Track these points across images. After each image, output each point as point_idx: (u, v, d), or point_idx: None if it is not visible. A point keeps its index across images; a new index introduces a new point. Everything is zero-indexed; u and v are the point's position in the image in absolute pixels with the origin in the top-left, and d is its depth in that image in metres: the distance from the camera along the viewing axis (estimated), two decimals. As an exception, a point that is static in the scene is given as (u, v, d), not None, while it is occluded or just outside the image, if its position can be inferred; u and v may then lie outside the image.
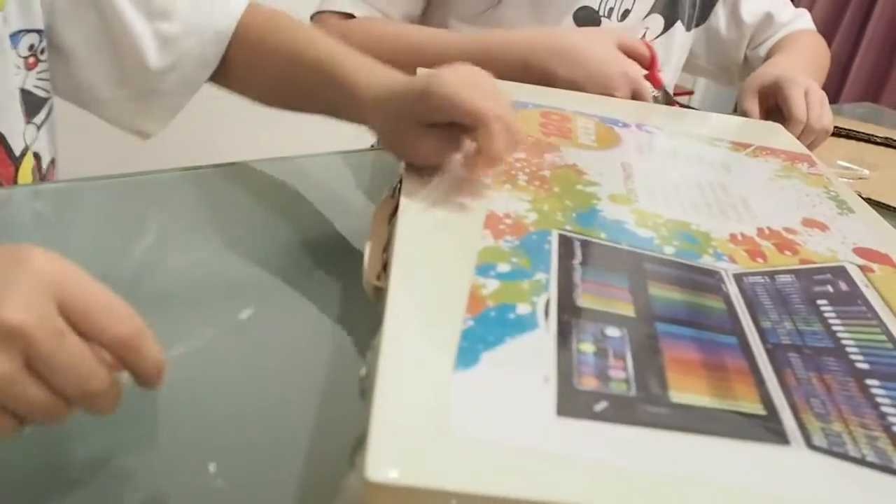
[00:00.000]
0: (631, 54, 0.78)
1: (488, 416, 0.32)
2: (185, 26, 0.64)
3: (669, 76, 0.96)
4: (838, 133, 0.84)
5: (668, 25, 0.94)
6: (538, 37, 0.78)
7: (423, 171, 0.51)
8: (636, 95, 0.77)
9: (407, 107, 0.51)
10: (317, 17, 0.85)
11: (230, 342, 0.45)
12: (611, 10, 0.88)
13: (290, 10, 0.86)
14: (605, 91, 0.76)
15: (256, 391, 0.42)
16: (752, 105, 0.80)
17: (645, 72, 0.79)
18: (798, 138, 0.77)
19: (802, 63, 0.86)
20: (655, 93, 0.83)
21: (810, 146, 0.79)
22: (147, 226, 0.58)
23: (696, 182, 0.58)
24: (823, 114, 0.78)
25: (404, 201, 0.47)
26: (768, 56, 0.93)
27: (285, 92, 0.65)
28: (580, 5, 0.86)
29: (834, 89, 2.07)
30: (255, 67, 0.66)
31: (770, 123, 0.78)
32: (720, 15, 0.97)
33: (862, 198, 0.64)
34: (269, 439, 0.39)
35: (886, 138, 0.90)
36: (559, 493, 0.28)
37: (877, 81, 2.06)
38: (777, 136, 0.74)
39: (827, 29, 2.10)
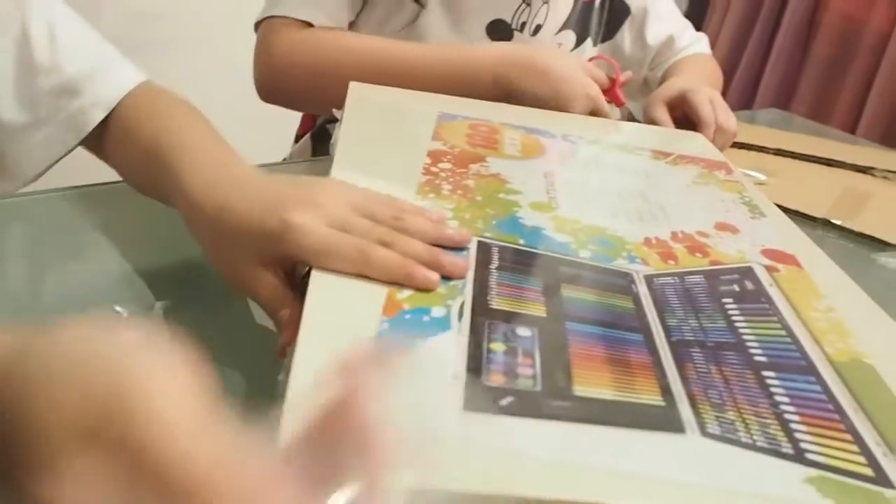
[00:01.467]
0: (592, 77, 0.82)
1: (396, 412, 0.33)
2: (63, 85, 0.58)
3: None
4: (734, 144, 0.89)
5: (580, 41, 0.98)
6: (506, 52, 0.81)
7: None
8: (595, 114, 0.80)
9: (250, 243, 0.44)
10: (265, 23, 0.84)
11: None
12: (523, 24, 0.91)
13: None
14: (566, 108, 0.79)
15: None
16: (663, 114, 0.84)
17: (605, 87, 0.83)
18: (714, 142, 0.81)
19: (699, 80, 0.90)
20: (618, 112, 0.86)
21: (722, 147, 0.84)
22: (60, 243, 0.58)
23: (616, 189, 0.61)
24: (729, 117, 0.83)
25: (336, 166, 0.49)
26: (665, 77, 0.98)
27: (137, 180, 0.59)
28: (493, 18, 0.89)
29: (747, 97, 2.16)
30: (120, 149, 0.59)
31: (692, 133, 0.81)
32: (626, 35, 1.01)
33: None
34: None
35: (778, 149, 0.95)
36: (461, 482, 0.30)
37: (787, 89, 2.14)
38: (697, 144, 0.77)
39: (739, 38, 2.19)
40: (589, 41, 0.98)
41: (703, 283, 0.48)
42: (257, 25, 0.85)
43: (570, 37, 0.96)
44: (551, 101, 0.78)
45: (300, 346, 0.36)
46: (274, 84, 0.84)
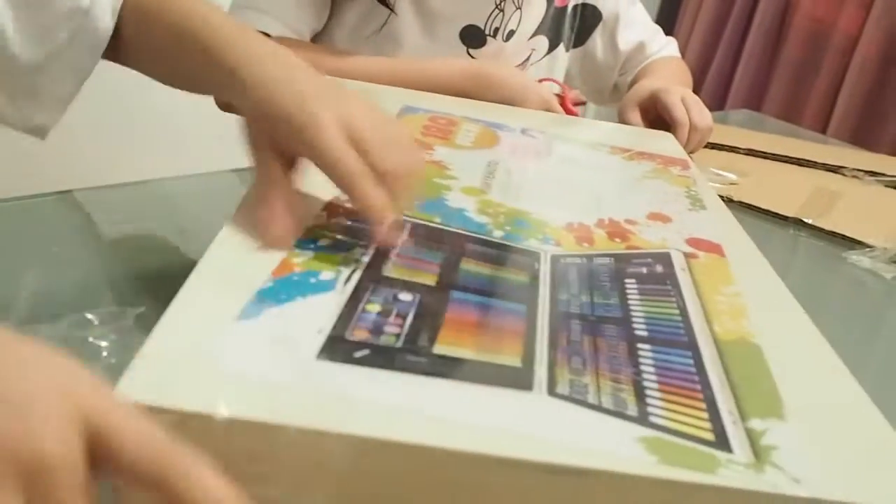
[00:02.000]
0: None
1: (252, 357, 0.35)
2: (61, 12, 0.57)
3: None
4: (707, 144, 0.91)
5: (553, 47, 0.99)
6: (464, 68, 0.84)
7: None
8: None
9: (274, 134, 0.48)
10: None
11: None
12: (496, 29, 0.93)
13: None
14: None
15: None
16: (635, 116, 0.85)
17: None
18: (688, 140, 0.81)
19: (669, 80, 0.91)
20: None
21: (699, 144, 0.84)
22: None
23: (557, 179, 0.62)
24: (703, 113, 0.83)
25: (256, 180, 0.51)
26: (635, 80, 0.98)
27: (172, 73, 0.59)
28: (467, 24, 0.91)
29: (718, 98, 2.17)
30: (143, 43, 0.59)
31: (662, 133, 0.81)
32: (598, 41, 1.02)
33: (732, 201, 0.67)
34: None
35: (749, 149, 0.95)
36: (297, 419, 0.32)
37: (758, 91, 2.16)
38: (663, 143, 0.78)
39: (710, 40, 2.22)
40: (561, 47, 0.99)
41: (610, 264, 0.49)
42: None
43: (542, 42, 0.97)
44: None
45: (180, 292, 0.38)
46: None
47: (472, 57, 0.92)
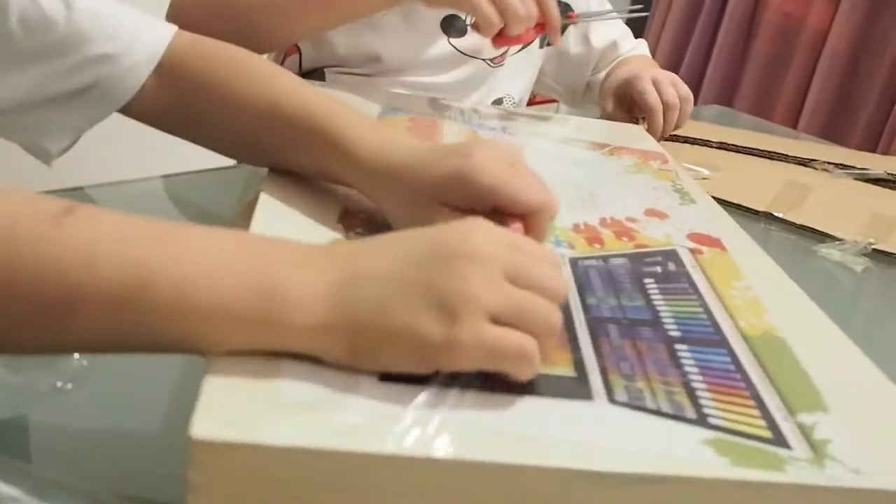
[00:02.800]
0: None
1: (314, 385, 0.34)
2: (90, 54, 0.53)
3: (522, 86, 1.01)
4: (679, 139, 0.92)
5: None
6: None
7: (285, 174, 0.53)
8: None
9: (431, 190, 0.46)
10: None
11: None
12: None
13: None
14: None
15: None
16: (611, 104, 0.86)
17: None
18: (667, 120, 0.83)
19: (641, 67, 0.93)
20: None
21: (680, 120, 0.86)
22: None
23: (548, 178, 0.62)
24: (677, 88, 0.86)
25: (263, 197, 0.50)
26: (607, 77, 1.00)
27: (249, 146, 0.56)
28: (448, 13, 0.90)
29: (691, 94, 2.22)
30: (202, 112, 0.55)
31: (632, 126, 0.83)
32: (570, 38, 1.04)
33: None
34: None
35: (721, 143, 0.98)
36: (381, 447, 0.31)
37: (729, 86, 2.22)
38: (637, 137, 0.79)
39: (681, 37, 2.28)
40: (535, 42, 1.00)
41: (626, 264, 0.50)
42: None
43: None
44: None
45: None
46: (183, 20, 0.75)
47: (452, 46, 0.91)
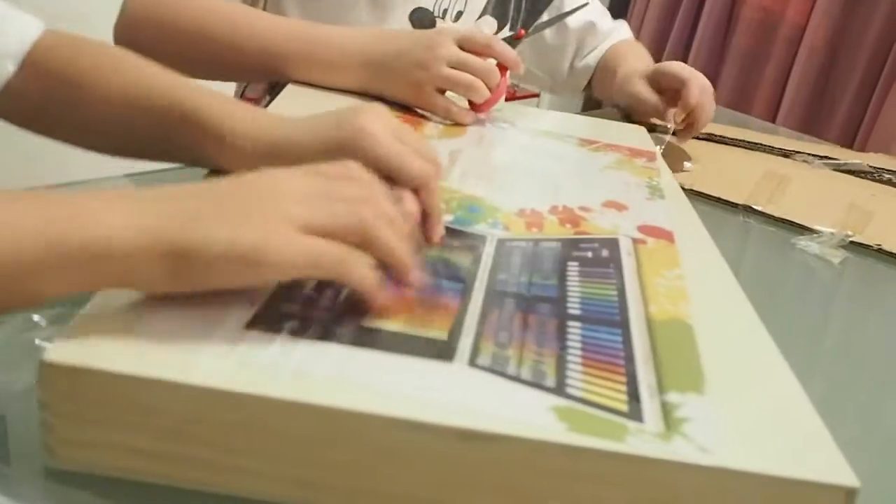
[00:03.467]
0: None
1: (186, 326, 0.36)
2: None
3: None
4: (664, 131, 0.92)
5: (500, 27, 0.99)
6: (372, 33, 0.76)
7: None
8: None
9: (315, 161, 0.44)
10: None
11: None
12: (445, 11, 0.93)
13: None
14: (433, 48, 0.71)
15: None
16: (645, 88, 0.88)
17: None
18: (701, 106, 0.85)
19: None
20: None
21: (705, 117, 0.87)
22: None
23: (518, 168, 0.63)
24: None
25: None
26: (606, 62, 1.00)
27: (122, 140, 0.56)
28: (416, 6, 0.91)
29: None
30: (70, 105, 0.55)
31: (635, 126, 0.82)
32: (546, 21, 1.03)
33: (684, 189, 0.68)
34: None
35: (709, 134, 0.98)
36: (220, 383, 0.33)
37: (708, 80, 2.20)
38: (635, 136, 0.79)
39: (661, 32, 2.27)
40: (507, 29, 1.00)
41: (556, 248, 0.50)
42: None
43: (490, 22, 0.98)
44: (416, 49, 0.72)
45: None
46: (129, 41, 0.73)
47: None
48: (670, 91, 0.89)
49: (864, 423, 0.52)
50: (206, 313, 0.37)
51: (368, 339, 0.38)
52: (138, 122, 0.53)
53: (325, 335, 0.37)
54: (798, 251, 0.72)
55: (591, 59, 1.03)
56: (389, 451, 0.33)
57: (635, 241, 0.53)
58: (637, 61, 0.96)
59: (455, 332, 0.39)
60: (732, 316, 0.46)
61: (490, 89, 0.70)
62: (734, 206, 0.78)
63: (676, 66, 0.90)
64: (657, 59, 0.99)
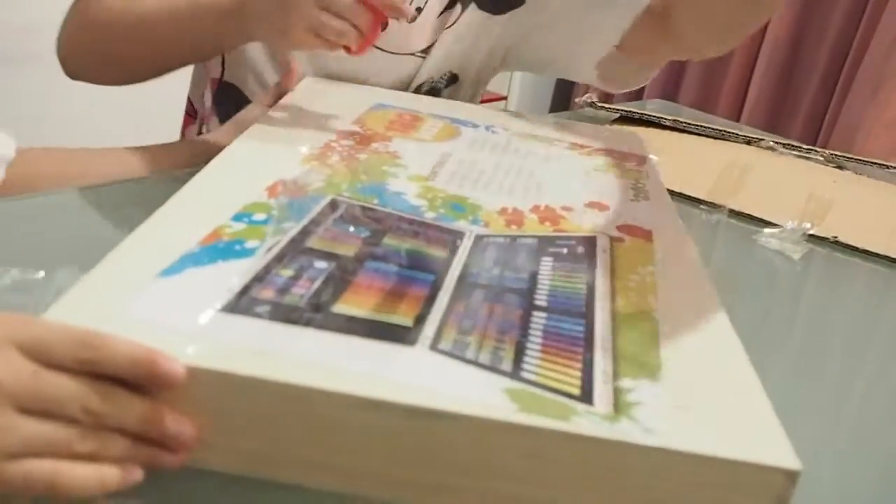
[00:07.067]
0: None
1: (163, 308, 0.39)
2: None
3: (459, 63, 0.91)
4: (630, 118, 0.95)
5: (450, 5, 0.88)
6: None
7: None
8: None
9: None
10: None
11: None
12: None
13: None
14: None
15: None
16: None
17: None
18: None
19: None
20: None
21: None
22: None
23: (504, 169, 0.65)
24: None
25: (214, 162, 0.56)
26: None
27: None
28: None
29: (635, 90, 2.27)
30: None
31: (630, 132, 0.84)
32: None
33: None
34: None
35: (675, 120, 1.00)
36: (191, 361, 0.35)
37: (673, 81, 2.28)
38: (628, 142, 0.80)
39: None
40: (459, 12, 0.89)
41: (532, 244, 0.52)
42: None
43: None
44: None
45: (113, 251, 0.42)
46: (70, 49, 0.77)
47: (378, 48, 0.84)
48: None
49: (825, 415, 0.52)
50: (189, 294, 0.40)
51: (335, 323, 0.39)
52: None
53: (294, 319, 0.39)
54: (759, 247, 0.73)
55: None
56: (341, 427, 0.35)
57: (613, 239, 0.55)
58: None
59: (420, 320, 0.41)
60: (698, 310, 0.47)
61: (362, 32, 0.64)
62: (697, 201, 0.79)
63: None
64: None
